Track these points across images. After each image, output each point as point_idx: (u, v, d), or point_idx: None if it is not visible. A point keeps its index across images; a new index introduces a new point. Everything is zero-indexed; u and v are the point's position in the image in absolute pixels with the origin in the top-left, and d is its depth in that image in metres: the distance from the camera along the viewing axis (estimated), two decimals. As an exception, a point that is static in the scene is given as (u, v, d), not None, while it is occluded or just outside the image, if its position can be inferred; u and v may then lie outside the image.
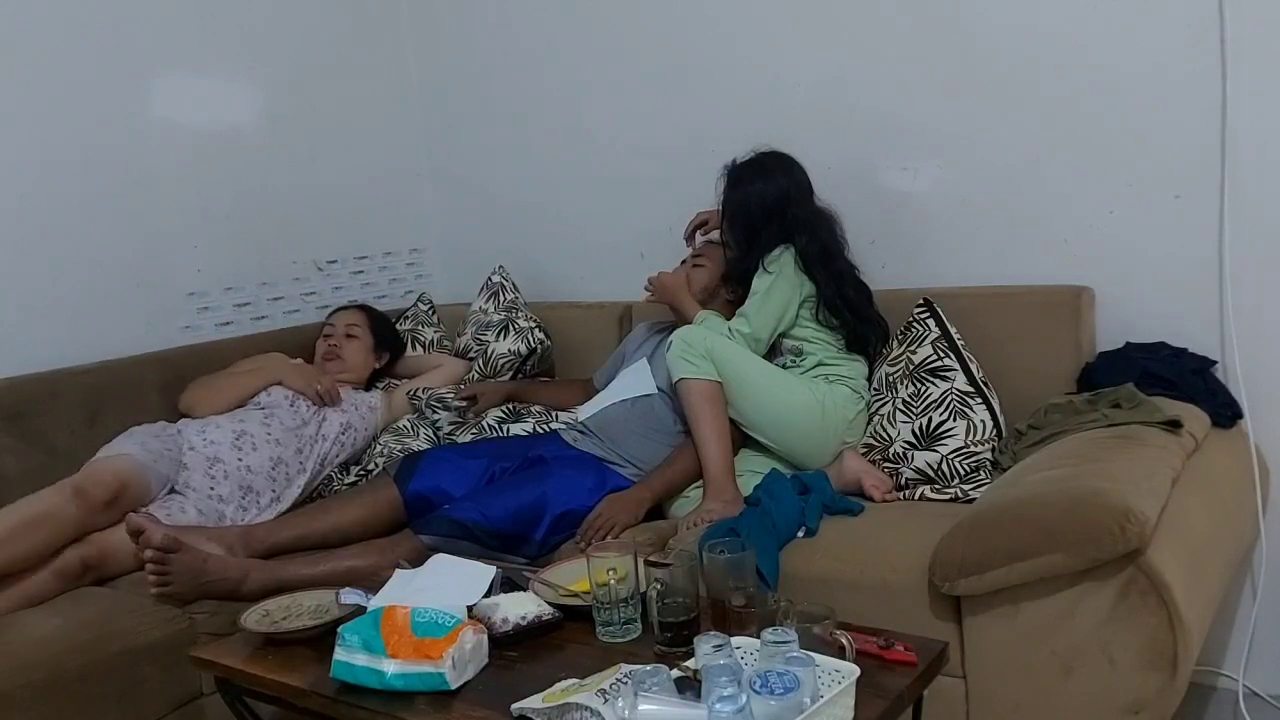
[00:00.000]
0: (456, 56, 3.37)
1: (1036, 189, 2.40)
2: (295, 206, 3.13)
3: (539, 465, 2.44)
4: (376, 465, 2.67)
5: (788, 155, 2.43)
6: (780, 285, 2.35)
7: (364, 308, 3.01)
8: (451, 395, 2.79)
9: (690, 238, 2.66)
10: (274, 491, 2.51)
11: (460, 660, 1.52)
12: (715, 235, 2.65)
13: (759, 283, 2.37)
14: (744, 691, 1.26)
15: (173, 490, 2.36)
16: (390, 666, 1.51)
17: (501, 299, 3.07)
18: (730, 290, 2.56)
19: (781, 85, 2.70)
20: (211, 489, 2.39)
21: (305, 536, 2.30)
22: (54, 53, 2.56)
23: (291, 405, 2.65)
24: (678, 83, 2.91)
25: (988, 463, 2.20)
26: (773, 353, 2.45)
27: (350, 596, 1.80)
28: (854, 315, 2.37)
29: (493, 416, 2.75)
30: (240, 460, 2.45)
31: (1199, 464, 1.95)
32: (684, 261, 2.62)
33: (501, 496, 2.29)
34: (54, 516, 2.08)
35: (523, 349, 2.93)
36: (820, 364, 2.38)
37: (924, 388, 2.27)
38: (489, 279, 3.14)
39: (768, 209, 2.39)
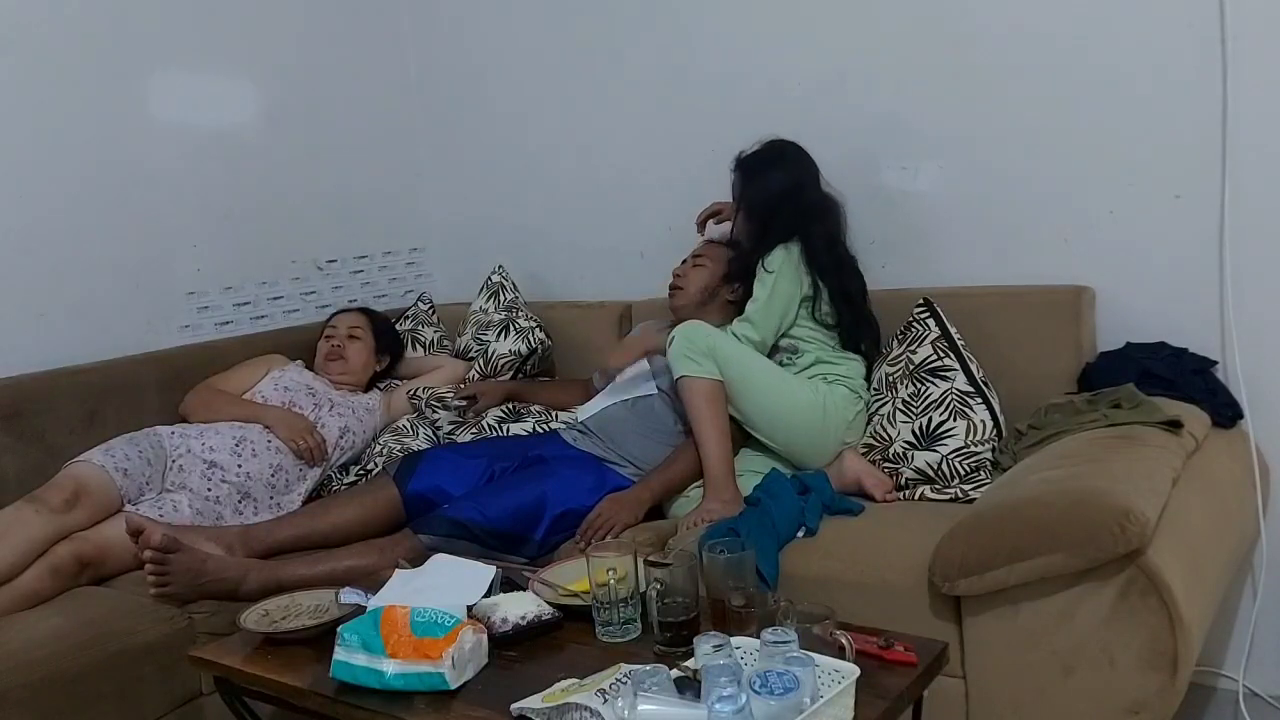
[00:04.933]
0: (456, 56, 3.37)
1: (1036, 189, 2.40)
2: (295, 206, 3.12)
3: (539, 465, 2.43)
4: (376, 465, 2.67)
5: (793, 142, 2.43)
6: (782, 286, 2.34)
7: (366, 310, 3.00)
8: (451, 395, 2.79)
9: (702, 226, 2.66)
10: (272, 498, 2.50)
11: (460, 660, 1.52)
12: (721, 231, 2.65)
13: (761, 286, 2.36)
14: (744, 691, 1.25)
15: (166, 490, 2.36)
16: (390, 666, 1.50)
17: (501, 299, 3.07)
18: (731, 290, 2.55)
19: (781, 85, 2.70)
20: (209, 490, 2.39)
21: (305, 536, 2.30)
22: (54, 53, 2.56)
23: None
24: (677, 82, 2.90)
25: (988, 463, 2.20)
26: (769, 351, 2.45)
27: (350, 596, 1.80)
28: (850, 309, 2.37)
29: (492, 416, 2.75)
30: (240, 467, 2.45)
31: (1199, 464, 1.95)
32: (685, 261, 2.62)
33: (501, 496, 2.29)
34: (16, 524, 2.09)
35: (523, 349, 2.93)
36: (818, 362, 2.38)
37: (924, 388, 2.27)
38: (489, 279, 3.13)
39: (783, 197, 2.38)
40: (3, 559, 2.04)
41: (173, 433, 2.48)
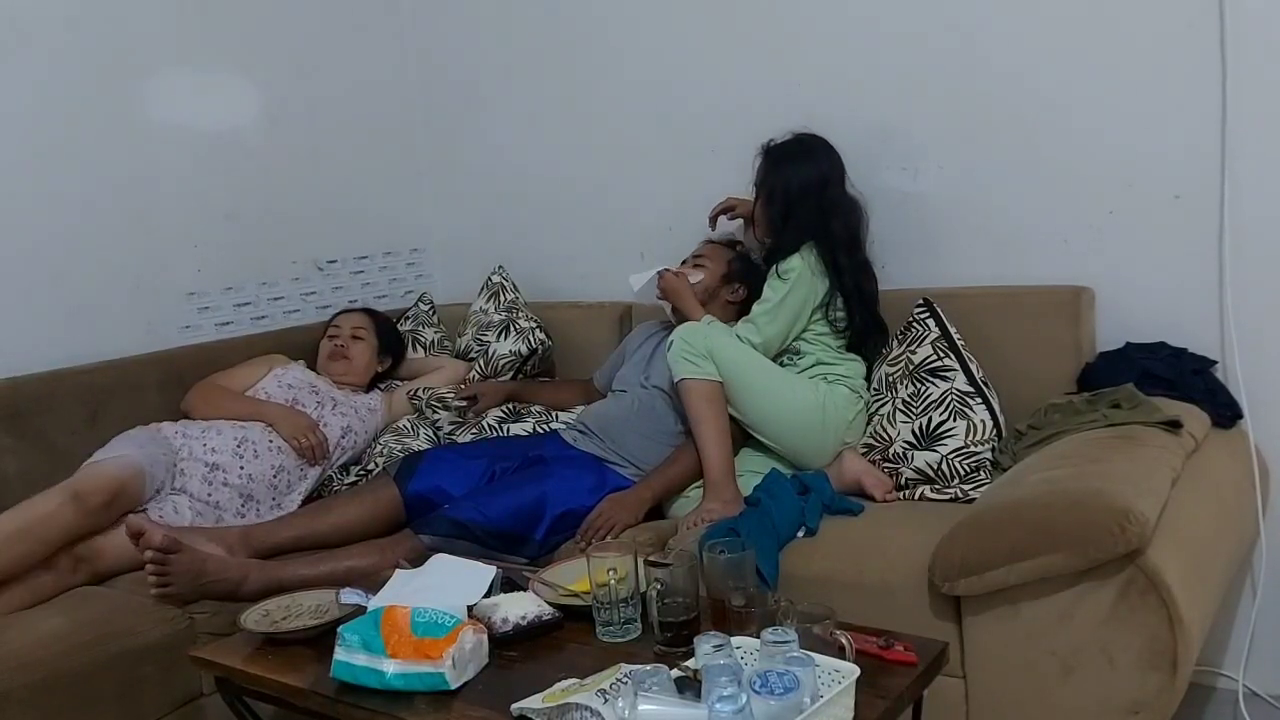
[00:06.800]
0: (457, 57, 3.37)
1: (1036, 189, 2.40)
2: (295, 206, 3.12)
3: (539, 465, 2.44)
4: (377, 465, 2.67)
5: (823, 138, 2.42)
6: (795, 296, 2.32)
7: (370, 311, 3.00)
8: (452, 395, 2.79)
9: (714, 221, 2.65)
10: (274, 499, 2.50)
11: (460, 660, 1.52)
12: (735, 226, 2.64)
13: (772, 291, 2.35)
14: (744, 691, 1.26)
15: (166, 491, 2.35)
16: (390, 666, 1.51)
17: (502, 299, 3.07)
18: (732, 290, 2.55)
19: (782, 85, 2.70)
20: (209, 494, 2.38)
21: (305, 537, 2.30)
22: (54, 53, 2.56)
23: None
24: (676, 84, 2.90)
25: (988, 463, 2.20)
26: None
27: (350, 596, 1.80)
28: (864, 312, 2.37)
29: (493, 416, 2.75)
30: (242, 469, 2.44)
31: (1199, 464, 1.95)
32: (685, 261, 2.62)
33: (501, 496, 2.29)
34: (50, 521, 2.07)
35: (524, 349, 2.93)
36: (818, 363, 2.38)
37: (924, 388, 2.27)
38: (489, 279, 3.14)
39: (806, 189, 2.37)
40: (32, 554, 2.04)
41: (176, 432, 2.47)
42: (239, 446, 2.47)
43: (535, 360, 2.96)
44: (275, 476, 2.50)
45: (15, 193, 2.49)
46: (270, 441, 2.52)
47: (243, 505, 2.43)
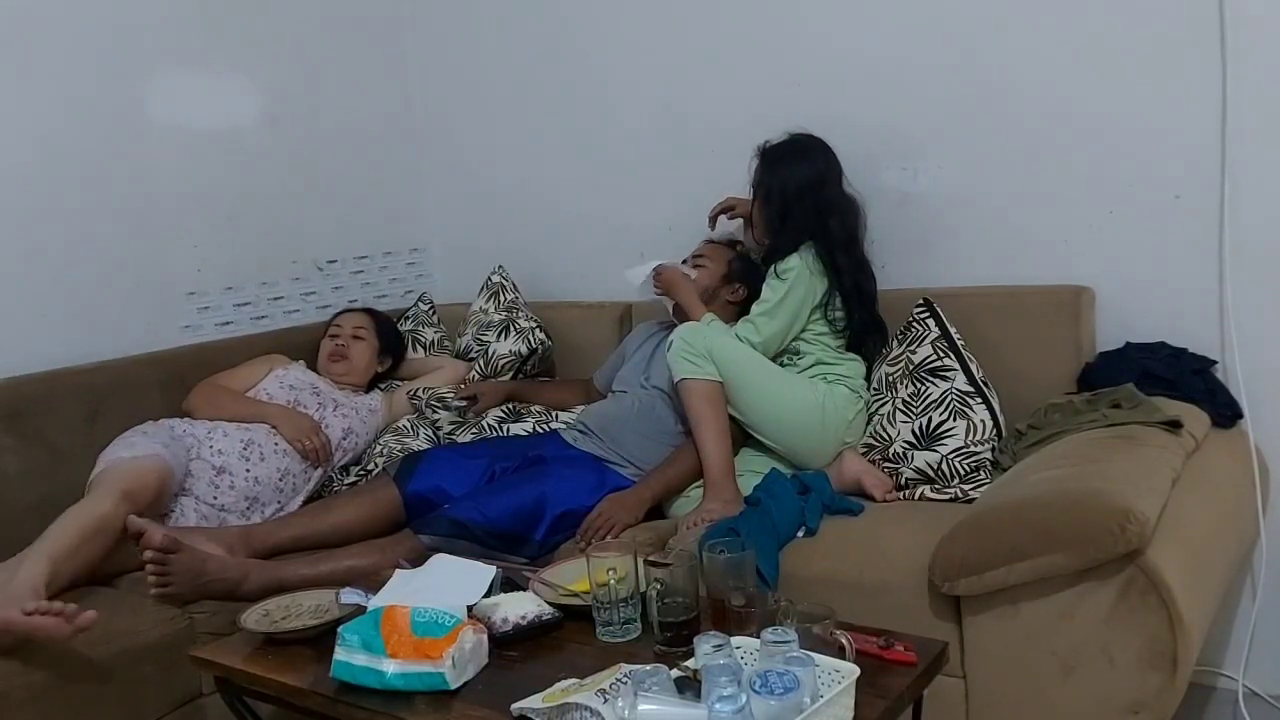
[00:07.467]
0: (456, 56, 3.37)
1: (1036, 189, 2.40)
2: (295, 206, 3.12)
3: (539, 465, 2.44)
4: (377, 465, 2.67)
5: (818, 138, 2.42)
6: (794, 296, 2.32)
7: (370, 311, 3.00)
8: (452, 395, 2.79)
9: (713, 221, 2.65)
10: (279, 502, 2.50)
11: (460, 660, 1.52)
12: (734, 226, 2.64)
13: (771, 291, 2.35)
14: (744, 691, 1.26)
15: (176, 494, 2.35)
16: (390, 666, 1.51)
17: (502, 299, 3.07)
18: (732, 291, 2.55)
19: (781, 85, 2.70)
20: (215, 497, 2.38)
21: (305, 537, 2.31)
22: (54, 53, 2.56)
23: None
24: (676, 84, 2.90)
25: (988, 463, 2.20)
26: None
27: (350, 596, 1.81)
28: (863, 311, 2.37)
29: (493, 416, 2.75)
30: (249, 471, 2.44)
31: (1199, 464, 1.95)
32: (685, 260, 2.62)
33: (501, 496, 2.29)
34: (108, 522, 2.06)
35: (524, 349, 2.93)
36: (818, 363, 2.38)
37: (924, 387, 2.27)
38: (489, 279, 3.14)
39: (803, 189, 2.37)
40: (99, 554, 2.04)
41: (184, 431, 2.46)
42: (245, 449, 2.46)
43: (535, 360, 2.96)
44: (281, 480, 2.50)
45: (15, 192, 2.49)
46: (276, 444, 2.51)
47: (248, 508, 2.43)
